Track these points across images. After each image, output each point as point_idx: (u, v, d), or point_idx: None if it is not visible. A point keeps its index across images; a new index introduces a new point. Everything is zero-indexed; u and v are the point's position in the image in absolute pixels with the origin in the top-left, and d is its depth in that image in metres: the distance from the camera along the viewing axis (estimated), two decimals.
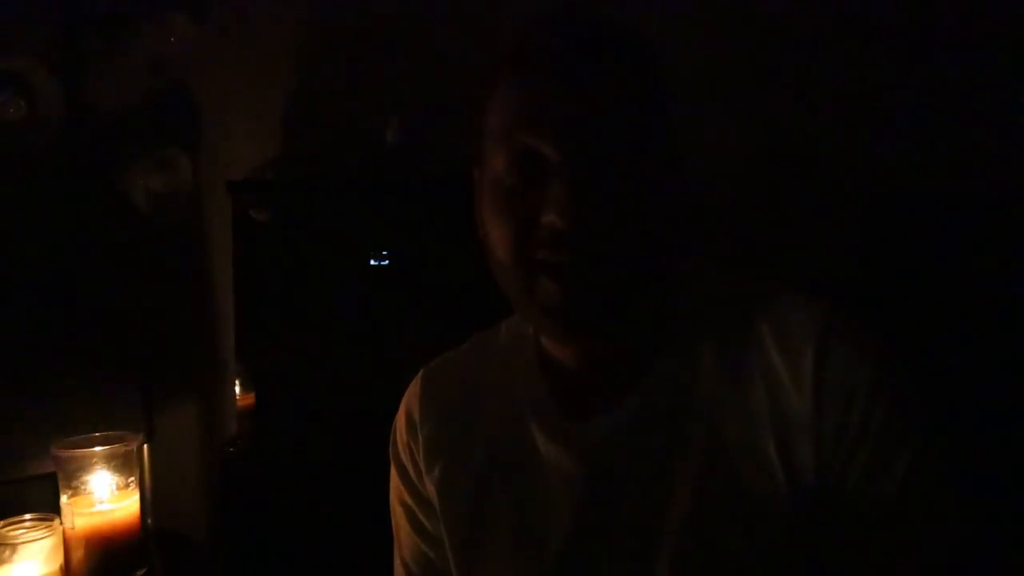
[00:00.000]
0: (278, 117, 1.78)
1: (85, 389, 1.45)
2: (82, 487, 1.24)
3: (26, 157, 1.47)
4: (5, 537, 1.19)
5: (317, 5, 1.79)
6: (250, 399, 1.71)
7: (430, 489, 0.80)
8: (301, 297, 1.71)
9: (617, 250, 0.65)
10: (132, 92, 1.62)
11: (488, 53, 0.73)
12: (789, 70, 1.74)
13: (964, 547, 0.63)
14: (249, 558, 1.61)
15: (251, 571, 1.62)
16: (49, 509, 1.26)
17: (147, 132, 1.62)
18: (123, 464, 1.28)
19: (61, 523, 1.24)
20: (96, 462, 1.26)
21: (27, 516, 1.24)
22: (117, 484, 1.26)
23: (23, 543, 1.20)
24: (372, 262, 1.70)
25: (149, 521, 1.46)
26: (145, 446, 1.48)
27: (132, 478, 1.29)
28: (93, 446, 1.26)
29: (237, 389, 1.70)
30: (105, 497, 1.25)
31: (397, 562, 0.87)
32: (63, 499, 1.24)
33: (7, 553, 1.19)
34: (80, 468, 1.25)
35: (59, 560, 1.23)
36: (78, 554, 1.23)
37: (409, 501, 0.83)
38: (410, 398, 0.85)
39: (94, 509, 1.24)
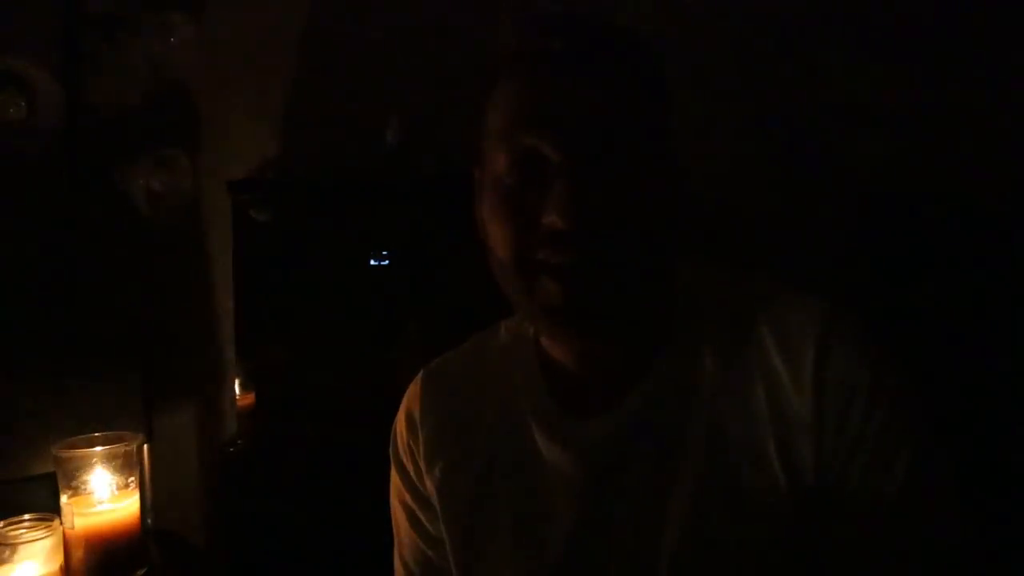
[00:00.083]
0: (278, 117, 1.77)
1: (85, 389, 1.44)
2: (82, 487, 1.24)
3: (26, 157, 1.47)
4: (5, 537, 1.19)
5: (317, 5, 1.79)
6: (250, 399, 1.71)
7: (430, 489, 0.80)
8: (301, 297, 1.71)
9: (617, 250, 0.65)
10: (132, 92, 1.62)
11: (488, 53, 0.73)
12: (789, 71, 1.74)
13: (964, 547, 0.63)
14: (249, 558, 1.61)
15: (251, 571, 1.62)
16: (49, 509, 1.26)
17: (147, 132, 1.62)
18: (123, 464, 1.27)
19: (61, 523, 1.24)
20: (96, 462, 1.25)
21: (27, 516, 1.24)
22: (117, 484, 1.26)
23: (23, 543, 1.20)
24: (372, 262, 1.70)
25: (149, 521, 1.46)
26: (145, 446, 1.48)
27: (132, 478, 1.28)
28: (93, 446, 1.26)
29: (237, 389, 1.70)
30: (105, 497, 1.25)
31: (397, 562, 0.87)
32: (63, 499, 1.24)
33: (7, 553, 1.18)
34: (80, 468, 1.24)
35: (59, 560, 1.23)
36: (78, 554, 1.22)
37: (409, 501, 0.83)
38: (410, 398, 0.85)
39: (94, 509, 1.24)
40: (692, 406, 0.69)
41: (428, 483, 0.81)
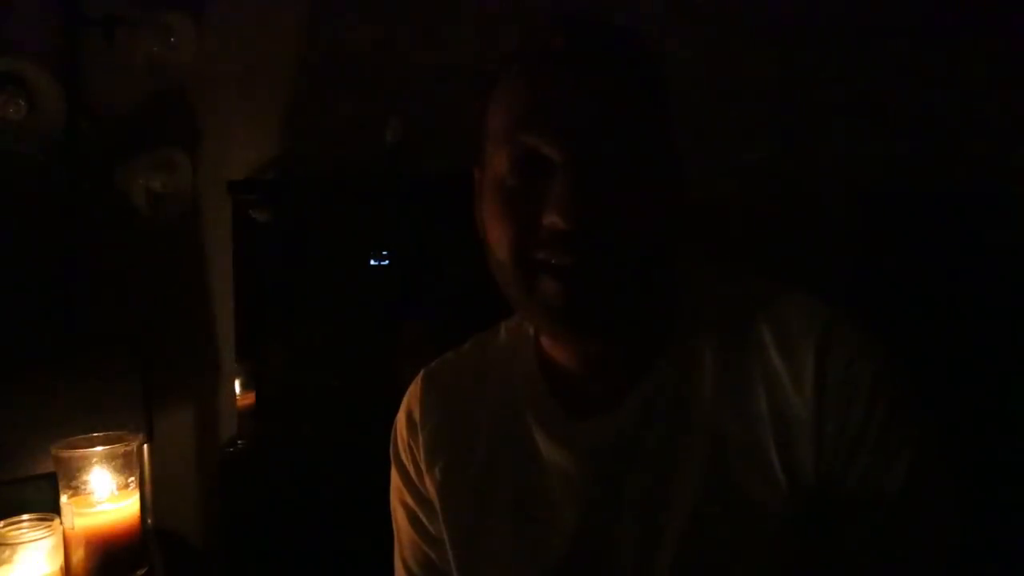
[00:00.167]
0: (278, 117, 1.78)
1: (85, 389, 1.44)
2: (82, 487, 1.24)
3: (26, 157, 1.47)
4: (5, 537, 1.19)
5: (317, 5, 1.79)
6: (250, 399, 1.71)
7: (430, 489, 0.80)
8: (301, 297, 1.71)
9: (618, 251, 0.65)
10: (132, 92, 1.62)
11: (488, 54, 0.73)
12: (790, 71, 1.74)
13: (964, 548, 0.63)
14: (249, 558, 1.61)
15: (251, 571, 1.62)
16: (49, 509, 1.26)
17: (147, 132, 1.62)
18: (123, 464, 1.27)
19: (61, 523, 1.24)
20: (96, 462, 1.25)
21: (27, 516, 1.23)
22: (117, 484, 1.26)
23: (23, 543, 1.19)
24: (372, 262, 1.70)
25: (149, 521, 1.46)
26: (145, 446, 1.48)
27: (132, 478, 1.28)
28: (93, 446, 1.26)
29: (237, 389, 1.70)
30: (105, 497, 1.25)
31: (398, 562, 0.87)
32: (63, 499, 1.24)
33: (7, 553, 1.18)
34: (80, 468, 1.24)
35: (59, 560, 1.23)
36: (78, 554, 1.22)
37: (410, 501, 0.83)
38: (411, 398, 0.85)
39: (94, 509, 1.24)
40: (693, 407, 0.69)
41: (428, 483, 0.81)
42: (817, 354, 0.65)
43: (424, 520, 0.82)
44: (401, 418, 0.85)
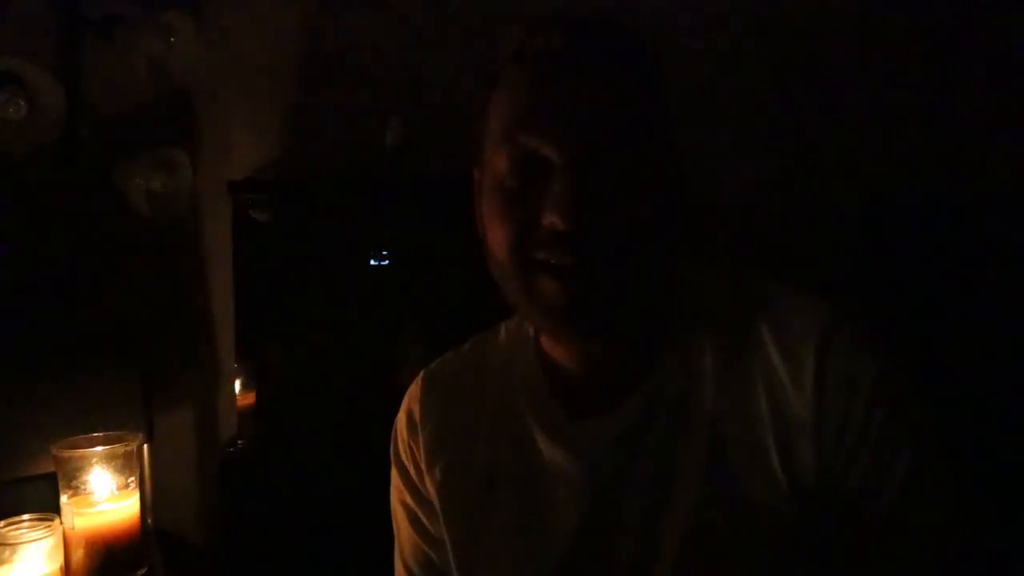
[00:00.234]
0: (278, 117, 1.78)
1: (85, 389, 1.45)
2: (82, 487, 1.24)
3: (26, 157, 1.47)
4: (5, 537, 1.19)
5: (317, 5, 1.79)
6: (250, 399, 1.71)
7: (431, 490, 0.80)
8: (301, 297, 1.71)
9: (618, 251, 0.65)
10: (132, 92, 1.62)
11: (488, 54, 0.73)
12: (790, 71, 1.74)
13: (964, 548, 0.63)
14: (249, 558, 1.61)
15: (251, 571, 1.62)
16: (49, 509, 1.26)
17: (147, 132, 1.62)
18: (123, 464, 1.27)
19: (61, 523, 1.24)
20: (96, 462, 1.25)
21: (27, 516, 1.23)
22: (117, 484, 1.26)
23: (23, 543, 1.19)
24: (372, 262, 1.70)
25: (149, 521, 1.46)
26: (145, 446, 1.48)
27: (132, 478, 1.28)
28: (93, 446, 1.26)
29: (237, 389, 1.70)
30: (105, 497, 1.25)
31: (398, 563, 0.87)
32: (63, 499, 1.24)
33: (7, 553, 1.18)
34: (80, 468, 1.24)
35: (59, 560, 1.23)
36: (78, 554, 1.23)
37: (410, 501, 0.83)
38: (411, 399, 0.85)
39: (94, 509, 1.24)
40: (693, 407, 0.69)
41: (428, 484, 0.81)
42: (817, 354, 0.65)
43: (424, 520, 0.82)
44: (401, 418, 0.85)
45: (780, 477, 0.65)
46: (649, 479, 0.69)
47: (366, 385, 1.67)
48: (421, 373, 0.86)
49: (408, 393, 0.86)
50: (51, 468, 1.28)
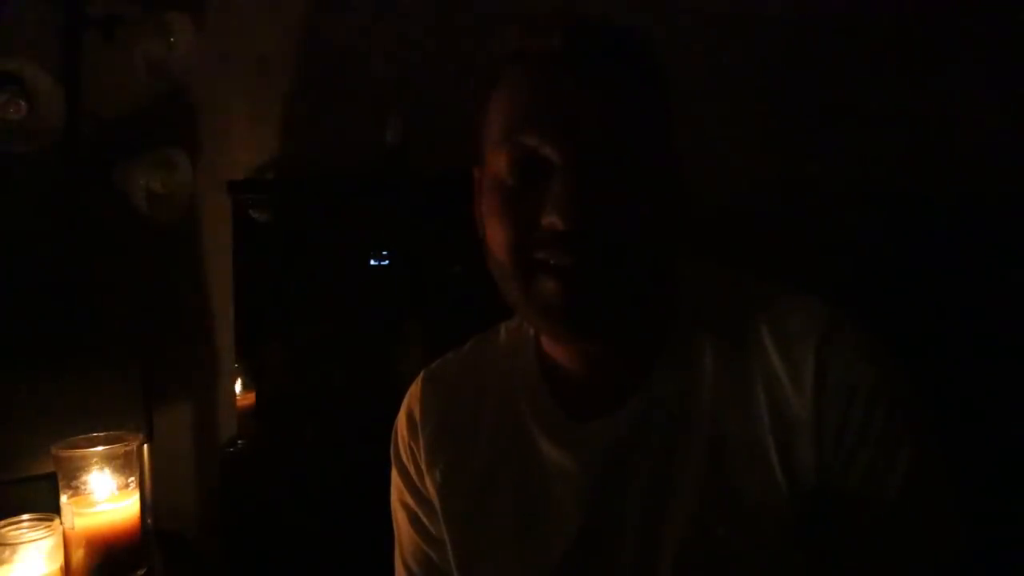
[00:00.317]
0: (278, 117, 1.78)
1: (85, 389, 1.44)
2: (82, 487, 1.24)
3: (26, 157, 1.47)
4: (5, 537, 1.19)
5: (317, 5, 1.79)
6: (250, 399, 1.71)
7: (431, 490, 0.80)
8: (301, 297, 1.71)
9: (618, 251, 0.65)
10: (132, 92, 1.62)
11: (488, 53, 0.73)
12: (790, 71, 1.74)
13: (965, 548, 0.63)
14: (249, 558, 1.61)
15: (251, 571, 1.62)
16: (49, 509, 1.26)
17: (147, 132, 1.62)
18: (123, 464, 1.27)
19: (61, 523, 1.24)
20: (96, 462, 1.25)
21: (27, 516, 1.23)
22: (117, 484, 1.26)
23: (23, 543, 1.19)
24: (372, 262, 1.70)
25: (149, 521, 1.46)
26: (145, 446, 1.48)
27: (132, 478, 1.28)
28: (93, 446, 1.26)
29: (237, 389, 1.70)
30: (105, 497, 1.25)
31: (398, 563, 0.87)
32: (63, 499, 1.24)
33: (7, 553, 1.18)
34: (80, 468, 1.24)
35: (59, 560, 1.23)
36: (78, 554, 1.22)
37: (410, 502, 0.83)
38: (411, 399, 0.85)
39: (94, 509, 1.24)
40: (693, 408, 0.69)
41: (429, 484, 0.81)
42: (817, 354, 0.65)
43: (424, 520, 0.82)
44: (401, 419, 0.85)
45: (780, 477, 0.65)
46: (649, 479, 0.69)
47: (366, 385, 1.67)
48: (421, 373, 0.86)
49: (408, 393, 0.86)
50: (51, 468, 1.28)
